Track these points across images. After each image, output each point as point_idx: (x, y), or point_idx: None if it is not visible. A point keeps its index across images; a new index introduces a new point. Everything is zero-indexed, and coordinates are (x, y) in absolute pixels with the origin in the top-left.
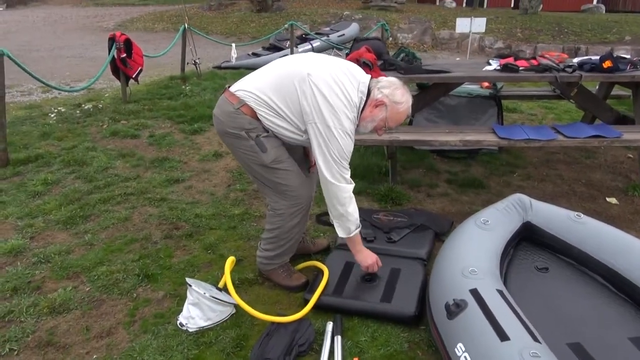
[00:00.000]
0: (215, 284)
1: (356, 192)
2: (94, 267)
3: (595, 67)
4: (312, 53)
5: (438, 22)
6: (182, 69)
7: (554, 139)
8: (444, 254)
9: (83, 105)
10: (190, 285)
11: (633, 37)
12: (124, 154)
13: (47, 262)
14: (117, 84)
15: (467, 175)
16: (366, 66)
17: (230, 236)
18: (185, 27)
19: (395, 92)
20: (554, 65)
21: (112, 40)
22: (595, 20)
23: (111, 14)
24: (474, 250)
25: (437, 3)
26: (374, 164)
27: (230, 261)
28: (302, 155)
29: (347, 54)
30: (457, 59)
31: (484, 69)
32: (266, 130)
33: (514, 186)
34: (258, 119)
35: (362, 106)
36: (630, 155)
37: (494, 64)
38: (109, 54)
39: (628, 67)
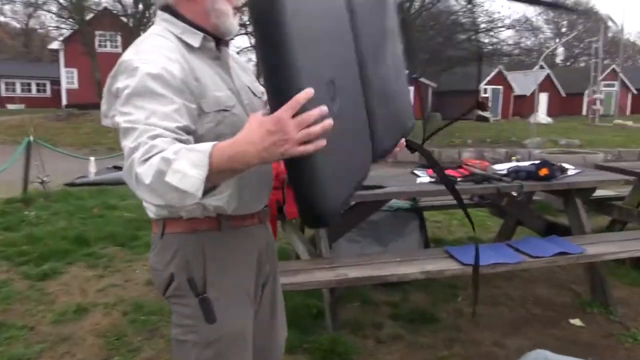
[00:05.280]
0: None
1: (288, 348)
2: None
3: (532, 175)
4: None
5: None
6: (25, 189)
7: (522, 261)
8: None
9: None
10: None
11: (474, 140)
12: None
13: None
14: None
15: (410, 305)
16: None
17: None
18: (30, 140)
19: None
20: (492, 175)
21: None
22: (436, 127)
23: None
24: None
25: None
26: (301, 304)
27: None
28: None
29: None
30: None
31: (418, 182)
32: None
33: (467, 315)
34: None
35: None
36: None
37: (423, 175)
38: None
39: (559, 174)
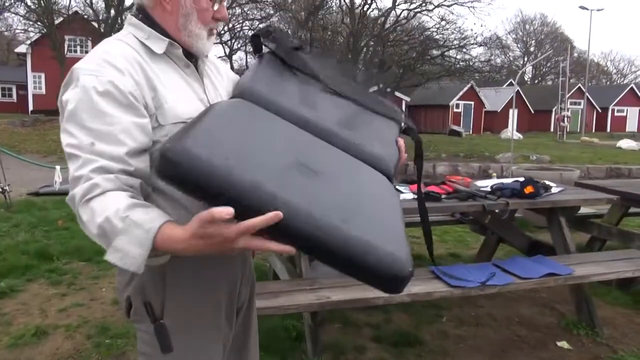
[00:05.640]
0: None
1: None
2: None
3: (516, 193)
4: None
5: None
6: None
7: (510, 282)
8: None
9: None
10: None
11: (448, 154)
12: None
13: None
14: None
15: (392, 327)
16: None
17: None
18: None
19: None
20: (477, 192)
21: None
22: (409, 141)
23: None
24: None
25: None
26: (280, 326)
27: None
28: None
29: None
30: None
31: (401, 198)
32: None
33: (452, 337)
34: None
35: None
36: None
37: (406, 191)
38: None
39: (543, 191)
